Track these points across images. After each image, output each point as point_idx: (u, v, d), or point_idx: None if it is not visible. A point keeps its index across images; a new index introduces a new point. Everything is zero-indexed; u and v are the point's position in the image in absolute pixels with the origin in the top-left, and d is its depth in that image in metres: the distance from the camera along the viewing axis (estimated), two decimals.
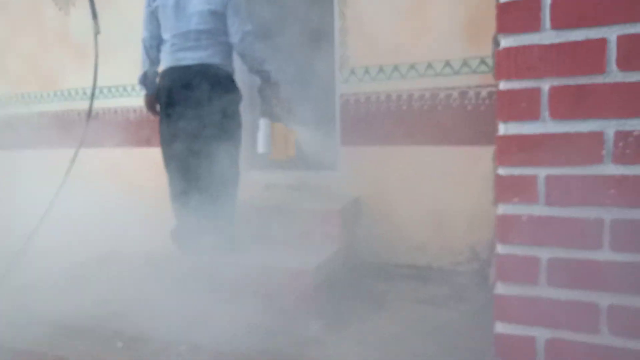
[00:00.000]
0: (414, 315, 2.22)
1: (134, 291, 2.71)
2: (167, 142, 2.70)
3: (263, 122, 2.73)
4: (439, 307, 2.30)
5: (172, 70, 2.62)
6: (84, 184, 3.57)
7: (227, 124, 2.60)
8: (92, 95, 3.30)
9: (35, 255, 3.26)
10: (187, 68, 2.57)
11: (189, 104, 2.56)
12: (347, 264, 2.82)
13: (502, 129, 1.12)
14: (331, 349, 1.95)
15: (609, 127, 1.02)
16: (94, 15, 3.30)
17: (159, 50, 2.70)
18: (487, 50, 2.56)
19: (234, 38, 2.56)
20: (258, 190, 3.33)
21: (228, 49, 2.63)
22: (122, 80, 3.75)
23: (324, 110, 3.17)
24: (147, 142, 3.69)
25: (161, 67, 2.69)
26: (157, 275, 2.79)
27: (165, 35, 2.65)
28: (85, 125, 3.32)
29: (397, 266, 2.89)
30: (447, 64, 2.75)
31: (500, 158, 1.13)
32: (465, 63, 2.70)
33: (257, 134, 2.74)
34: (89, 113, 3.33)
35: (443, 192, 2.81)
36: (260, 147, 2.73)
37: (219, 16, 2.55)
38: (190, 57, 2.57)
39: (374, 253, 2.99)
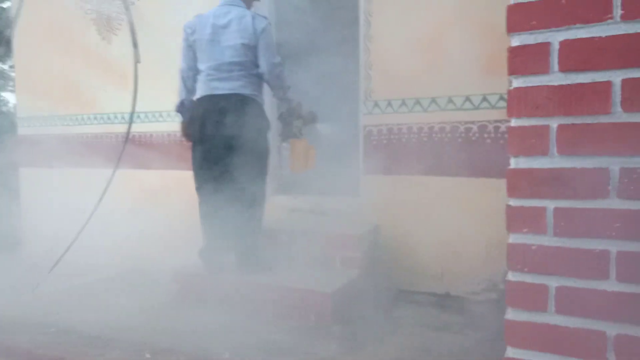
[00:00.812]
0: (430, 341, 2.23)
1: (160, 306, 2.80)
2: (198, 166, 2.82)
3: (284, 147, 2.92)
4: (455, 333, 2.31)
5: (206, 99, 2.76)
6: (119, 203, 3.72)
7: (256, 151, 2.71)
8: (131, 119, 3.48)
9: (69, 267, 3.39)
10: (220, 97, 2.71)
11: (221, 130, 2.69)
12: (366, 288, 2.85)
13: (513, 163, 1.17)
14: None
15: (614, 164, 1.07)
16: (135, 45, 3.51)
17: (195, 81, 2.85)
18: (505, 87, 2.62)
19: (264, 68, 2.71)
20: (283, 214, 3.41)
21: (258, 80, 2.77)
22: (158, 106, 3.91)
23: (348, 140, 3.26)
24: (180, 166, 3.83)
25: (196, 96, 2.83)
26: (184, 291, 2.88)
27: (201, 67, 2.79)
28: (122, 147, 3.49)
29: (415, 293, 2.90)
30: (467, 98, 2.81)
31: (511, 190, 1.18)
32: (484, 98, 2.77)
33: (280, 158, 2.88)
34: (127, 136, 3.50)
35: (462, 222, 2.84)
36: (283, 169, 2.88)
37: (250, 49, 2.69)
38: (223, 87, 2.71)
39: (392, 279, 3.01)
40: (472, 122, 2.81)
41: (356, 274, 2.74)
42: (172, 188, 3.84)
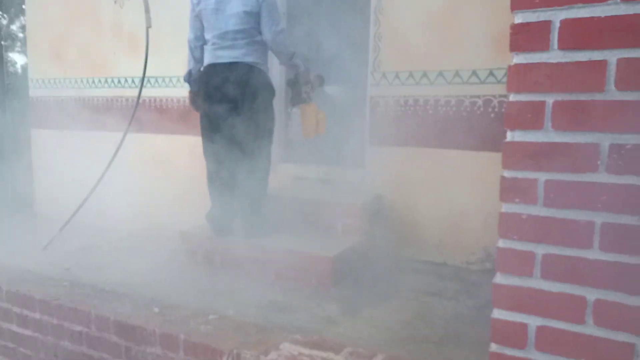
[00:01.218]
0: (424, 306, 2.33)
1: (169, 265, 2.91)
2: (205, 133, 2.89)
3: (294, 112, 2.94)
4: (449, 300, 2.41)
5: (211, 67, 2.81)
6: (130, 166, 3.80)
7: (260, 117, 2.76)
8: (141, 84, 3.52)
9: (80, 227, 3.50)
10: (224, 65, 2.75)
11: (225, 98, 2.74)
12: (366, 255, 2.94)
13: (509, 136, 1.22)
14: (344, 329, 2.08)
15: (605, 140, 1.12)
16: (147, 10, 3.52)
17: (202, 50, 2.90)
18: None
19: (267, 36, 2.73)
20: (288, 182, 3.48)
21: (263, 47, 2.80)
22: (169, 71, 3.94)
23: (356, 103, 3.30)
24: (189, 131, 3.88)
25: (203, 65, 2.88)
26: (191, 252, 2.98)
27: (207, 36, 2.83)
28: (133, 111, 3.54)
29: (413, 261, 3.00)
30: (474, 73, 2.83)
31: (506, 162, 1.23)
32: (491, 73, 2.79)
33: (289, 123, 2.94)
34: (138, 100, 3.54)
35: (462, 194, 2.90)
36: (292, 135, 2.95)
37: (253, 16, 2.72)
38: (227, 55, 2.75)
39: (392, 247, 3.10)
40: (478, 96, 2.83)
41: (357, 241, 2.83)
42: (181, 152, 3.91)
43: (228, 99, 2.73)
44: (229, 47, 2.75)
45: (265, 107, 2.80)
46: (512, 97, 1.22)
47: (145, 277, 2.67)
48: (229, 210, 2.91)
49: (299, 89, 2.92)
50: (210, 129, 2.86)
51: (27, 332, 2.40)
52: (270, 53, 2.87)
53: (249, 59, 2.74)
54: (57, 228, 3.38)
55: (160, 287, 2.53)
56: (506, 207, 1.25)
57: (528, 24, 1.18)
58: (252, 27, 2.72)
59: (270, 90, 2.86)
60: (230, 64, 2.73)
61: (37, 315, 2.35)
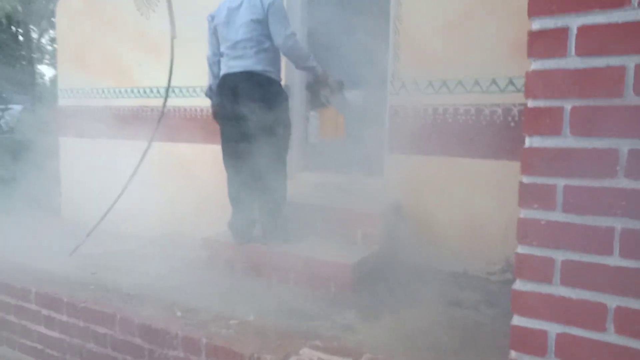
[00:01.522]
0: (444, 315, 2.32)
1: (191, 270, 2.95)
2: (224, 143, 2.96)
3: (313, 115, 2.94)
4: (469, 309, 2.39)
5: (224, 78, 2.89)
6: (155, 173, 3.88)
7: (272, 126, 2.79)
8: (166, 94, 3.60)
9: (106, 233, 3.58)
10: (234, 75, 2.82)
11: (238, 107, 2.79)
12: (385, 264, 2.94)
13: (528, 142, 1.23)
14: (363, 336, 2.09)
15: (624, 145, 1.12)
16: (172, 21, 3.61)
17: (219, 65, 2.97)
18: None
19: (278, 41, 2.78)
20: (308, 190, 3.50)
21: (273, 55, 2.84)
22: (193, 81, 4.02)
23: (375, 118, 3.31)
24: (211, 139, 3.95)
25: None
26: (213, 258, 3.03)
27: (222, 48, 2.92)
28: (157, 120, 3.62)
29: (433, 270, 2.97)
30: (494, 81, 2.83)
31: (524, 168, 1.24)
32: (510, 81, 2.78)
33: (308, 126, 2.92)
34: (162, 110, 3.63)
35: (482, 203, 2.89)
36: (311, 138, 2.95)
37: (261, 24, 2.77)
38: (238, 65, 2.82)
39: (411, 256, 3.08)
40: (497, 105, 2.83)
41: (376, 249, 2.83)
42: (204, 161, 3.97)
43: (240, 109, 2.78)
44: (240, 56, 2.81)
45: (277, 114, 2.82)
46: (530, 103, 1.23)
47: (168, 282, 2.72)
48: (249, 218, 2.95)
49: (318, 92, 2.95)
50: (228, 138, 2.93)
51: (55, 334, 2.47)
52: (286, 60, 2.92)
53: (258, 68, 2.78)
54: (83, 234, 3.46)
55: (183, 291, 2.57)
56: (525, 213, 1.25)
57: (545, 30, 1.19)
58: (260, 34, 2.78)
59: (282, 97, 2.89)
60: (242, 73, 2.79)
61: (64, 318, 2.41)
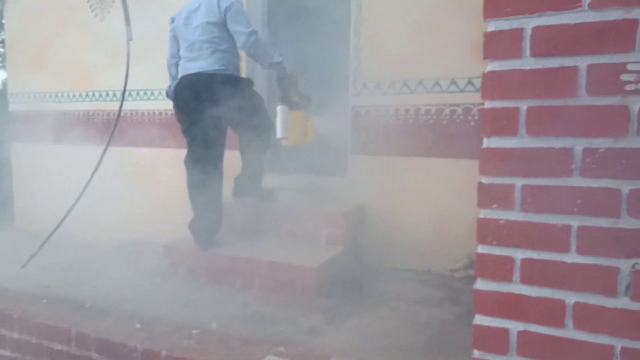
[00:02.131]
0: (409, 314, 2.32)
1: (152, 279, 2.86)
2: (186, 141, 2.92)
3: (280, 109, 2.88)
4: (434, 307, 2.41)
5: (181, 80, 2.86)
6: (111, 179, 3.76)
7: (241, 117, 2.80)
8: (123, 97, 3.49)
9: (62, 241, 3.44)
10: (191, 76, 2.80)
11: (194, 107, 2.79)
12: (350, 264, 2.93)
13: (485, 142, 1.23)
14: (329, 339, 2.07)
15: (578, 145, 1.13)
16: (127, 22, 3.50)
17: (177, 68, 2.96)
18: None
19: (239, 42, 2.78)
20: None
21: (230, 55, 2.83)
22: (150, 84, 3.92)
23: (337, 119, 3.30)
24: (170, 143, 3.86)
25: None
26: (174, 265, 2.94)
27: (181, 50, 2.91)
28: (114, 124, 3.50)
29: (398, 269, 2.99)
30: (453, 82, 2.86)
31: (483, 168, 1.24)
32: (469, 82, 2.82)
33: (275, 120, 2.89)
34: (119, 113, 3.51)
35: (444, 202, 2.92)
36: (278, 133, 2.88)
37: (218, 26, 2.77)
38: (194, 67, 2.80)
39: (376, 256, 3.10)
40: (457, 105, 2.86)
41: (341, 250, 2.82)
42: (163, 165, 3.87)
43: (197, 108, 2.78)
44: (196, 58, 2.81)
45: (244, 104, 2.81)
46: (487, 104, 1.23)
47: (126, 292, 2.63)
48: (211, 221, 2.89)
49: (287, 88, 2.89)
50: (186, 137, 2.91)
51: (6, 353, 2.34)
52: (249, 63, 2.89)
53: (214, 67, 2.77)
54: (37, 244, 3.31)
55: (142, 301, 2.49)
56: (484, 213, 1.25)
57: (500, 31, 1.20)
58: (216, 37, 2.78)
59: (245, 89, 2.88)
60: (197, 74, 2.78)
61: (16, 335, 2.29)
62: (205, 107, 2.74)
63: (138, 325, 2.12)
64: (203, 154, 2.80)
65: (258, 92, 3.03)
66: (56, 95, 4.43)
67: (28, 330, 2.25)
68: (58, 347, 2.16)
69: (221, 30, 2.77)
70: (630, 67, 1.08)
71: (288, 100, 2.89)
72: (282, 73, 2.88)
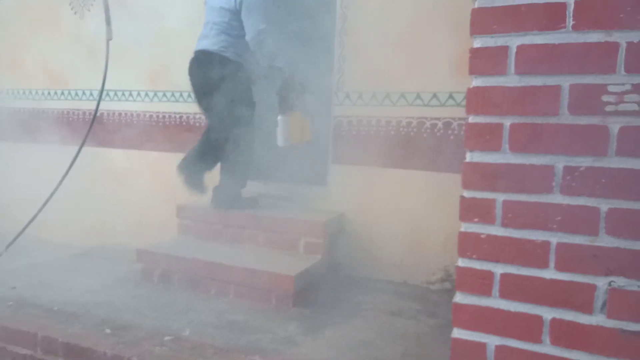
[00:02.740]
0: (385, 325, 2.32)
1: (123, 283, 2.80)
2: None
3: (281, 120, 2.96)
4: (409, 319, 2.41)
5: (193, 55, 3.03)
6: (84, 180, 3.67)
7: (232, 103, 2.87)
8: (100, 97, 3.41)
9: (31, 243, 3.34)
10: (197, 52, 2.99)
11: (195, 83, 3.02)
12: (328, 274, 2.92)
13: (468, 156, 1.25)
14: (305, 349, 2.04)
15: (559, 162, 1.16)
16: (108, 22, 3.43)
17: None
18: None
19: (248, 35, 2.86)
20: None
21: (235, 41, 2.92)
22: (129, 85, 3.86)
23: (319, 128, 3.30)
24: (146, 146, 3.80)
25: None
26: (146, 270, 2.88)
27: None
28: (89, 125, 3.42)
29: (375, 280, 2.99)
30: (435, 95, 2.90)
31: (465, 182, 1.25)
32: (450, 96, 2.86)
33: (277, 129, 2.98)
34: (95, 114, 3.43)
35: (422, 214, 2.93)
36: (280, 142, 2.98)
37: (231, 13, 2.88)
38: (201, 44, 2.99)
39: (353, 266, 3.09)
40: (438, 119, 2.89)
41: (318, 259, 2.80)
42: (139, 168, 3.81)
43: (197, 83, 3.00)
44: (205, 36, 2.98)
45: (233, 92, 2.88)
46: (471, 119, 1.24)
47: (97, 296, 2.56)
48: (202, 163, 3.01)
49: (287, 96, 2.94)
50: (202, 108, 3.09)
51: None
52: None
53: (214, 47, 2.91)
54: (3, 244, 3.20)
55: (114, 307, 2.42)
56: (465, 227, 1.26)
57: (486, 48, 1.22)
58: (227, 22, 2.91)
59: (238, 75, 2.92)
60: (201, 51, 2.95)
61: None
62: (202, 83, 2.93)
63: (108, 331, 2.06)
64: (211, 124, 3.01)
65: (248, 82, 3.02)
66: (31, 93, 4.32)
67: None
68: (23, 351, 2.08)
69: (234, 17, 2.88)
70: (611, 88, 1.11)
71: (287, 109, 2.95)
72: (281, 80, 2.95)
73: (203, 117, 3.37)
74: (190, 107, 3.62)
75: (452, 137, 2.87)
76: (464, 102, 2.84)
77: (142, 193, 3.74)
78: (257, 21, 2.83)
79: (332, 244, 3.01)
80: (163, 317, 2.33)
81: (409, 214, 2.98)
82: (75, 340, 1.98)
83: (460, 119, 2.84)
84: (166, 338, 2.00)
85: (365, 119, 3.09)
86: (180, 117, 3.69)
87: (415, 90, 2.95)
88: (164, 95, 3.76)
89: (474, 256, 1.25)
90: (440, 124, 2.90)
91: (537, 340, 1.20)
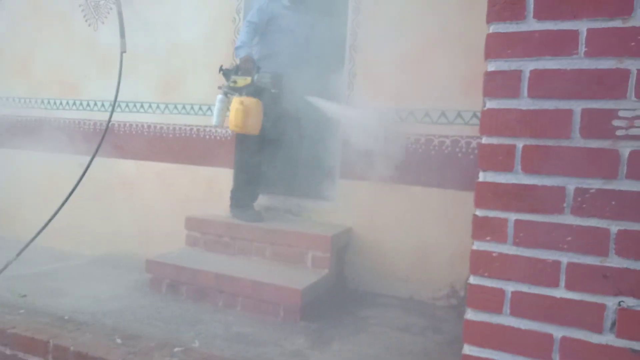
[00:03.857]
0: (392, 341, 2.33)
1: (133, 293, 2.82)
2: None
3: (218, 99, 3.08)
4: (416, 335, 2.42)
5: None
6: (95, 190, 3.72)
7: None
8: (113, 108, 3.47)
9: (41, 251, 3.37)
10: None
11: None
12: (335, 288, 2.94)
13: (481, 176, 1.28)
14: None
15: (570, 184, 1.19)
16: (122, 34, 3.50)
17: None
18: (479, 105, 2.75)
19: None
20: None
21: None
22: (140, 97, 3.91)
23: (327, 143, 3.34)
24: (156, 157, 3.84)
25: None
26: (156, 280, 2.91)
27: None
28: (102, 135, 3.47)
29: (381, 295, 3.01)
30: (443, 114, 2.94)
31: (478, 201, 1.28)
32: (459, 114, 2.90)
33: (220, 107, 3.08)
34: (107, 124, 3.49)
35: (430, 230, 2.96)
36: (213, 120, 3.11)
37: None
38: None
39: (361, 281, 3.11)
40: (446, 136, 2.93)
41: (326, 273, 2.82)
42: (149, 179, 3.85)
43: None
44: None
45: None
46: (485, 140, 1.28)
47: (107, 305, 2.58)
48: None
49: (228, 74, 3.06)
50: None
51: None
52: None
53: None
54: (14, 251, 3.22)
55: (123, 316, 2.45)
56: (478, 245, 1.29)
57: (500, 71, 1.25)
58: None
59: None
60: None
61: None
62: None
63: (119, 341, 2.08)
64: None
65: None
66: (43, 102, 4.38)
67: (3, 340, 2.18)
68: (34, 359, 2.10)
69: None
70: (621, 113, 1.14)
71: (229, 90, 3.05)
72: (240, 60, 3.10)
73: (218, 130, 3.52)
74: (200, 120, 3.68)
75: (459, 154, 2.90)
76: (472, 121, 2.91)
77: (152, 203, 3.78)
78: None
79: (339, 258, 3.04)
80: (172, 327, 2.35)
81: (416, 230, 3.00)
82: (87, 350, 1.99)
83: (468, 137, 2.88)
84: (176, 349, 2.02)
85: (374, 134, 3.12)
86: (191, 130, 3.74)
87: (424, 107, 2.99)
88: (175, 107, 3.82)
89: (486, 274, 1.28)
90: (448, 142, 2.93)
91: (548, 358, 1.22)
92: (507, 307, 1.26)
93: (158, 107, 3.89)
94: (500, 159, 1.26)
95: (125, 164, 3.98)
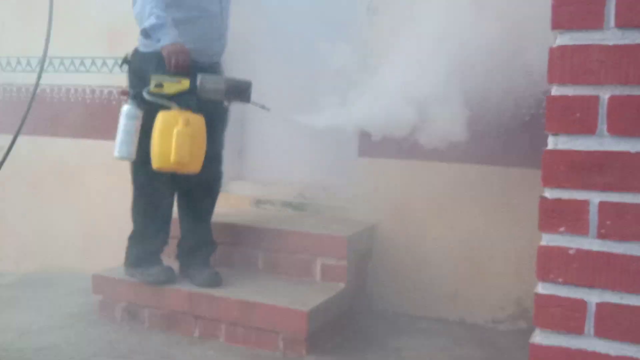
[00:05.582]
0: None
1: (75, 322, 2.86)
2: None
3: (124, 112, 2.68)
4: None
5: None
6: (20, 182, 3.75)
7: None
8: (41, 67, 3.49)
9: None
10: None
11: None
12: (355, 308, 2.95)
13: (551, 142, 1.26)
14: None
15: None
16: None
17: None
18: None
19: None
20: (246, 207, 3.48)
21: None
22: (80, 51, 3.92)
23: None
24: (106, 134, 3.86)
25: None
26: (107, 303, 2.95)
27: None
28: (28, 105, 3.50)
29: (419, 318, 3.02)
30: None
31: (547, 178, 1.27)
32: None
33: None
34: (35, 90, 3.51)
35: (484, 224, 2.95)
36: (116, 150, 2.70)
37: None
38: None
39: (390, 298, 3.12)
40: None
41: (341, 288, 2.83)
42: (94, 165, 3.87)
43: None
44: None
45: None
46: (555, 90, 1.26)
47: (40, 341, 2.63)
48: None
49: (139, 72, 2.75)
50: None
51: None
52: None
53: None
54: None
55: (63, 354, 2.48)
56: (547, 239, 1.28)
57: None
58: None
59: None
60: None
61: None
62: None
63: None
64: None
65: None
66: None
67: None
68: None
69: None
70: None
71: (137, 95, 2.65)
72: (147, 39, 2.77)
73: None
74: None
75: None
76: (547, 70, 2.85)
77: (99, 198, 3.80)
78: None
79: (360, 267, 3.04)
80: None
81: (466, 224, 3.00)
82: None
83: None
84: None
85: None
86: None
87: None
88: None
89: (560, 280, 1.27)
90: None
91: None
92: (590, 325, 1.25)
93: (105, 64, 3.89)
94: (577, 116, 1.24)
95: (62, 145, 4.00)
